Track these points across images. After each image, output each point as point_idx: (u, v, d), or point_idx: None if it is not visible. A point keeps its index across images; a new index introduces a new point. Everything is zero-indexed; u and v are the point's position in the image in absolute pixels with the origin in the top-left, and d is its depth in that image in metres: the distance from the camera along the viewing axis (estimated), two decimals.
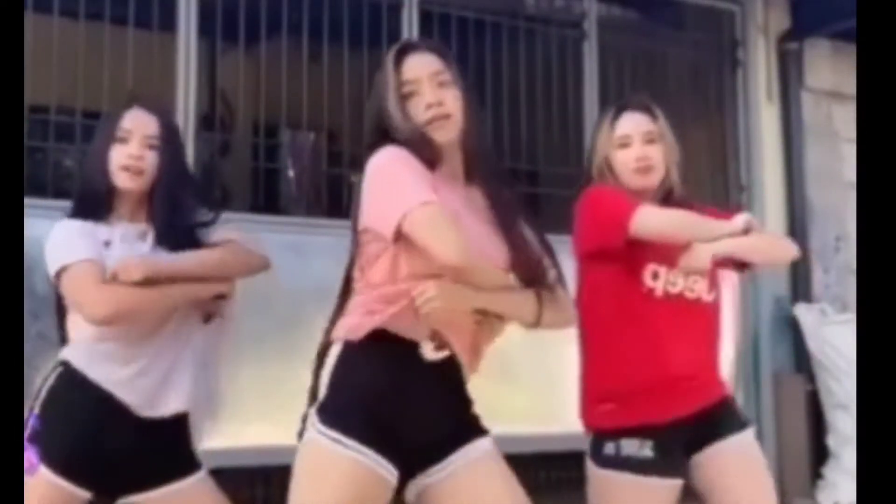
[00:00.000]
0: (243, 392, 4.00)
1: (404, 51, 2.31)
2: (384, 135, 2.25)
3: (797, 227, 5.59)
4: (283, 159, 5.41)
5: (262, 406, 3.91)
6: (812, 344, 5.39)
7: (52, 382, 2.47)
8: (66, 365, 2.47)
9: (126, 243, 2.47)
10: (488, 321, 2.28)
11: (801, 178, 5.64)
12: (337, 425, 2.16)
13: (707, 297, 2.70)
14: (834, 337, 5.28)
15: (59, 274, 2.42)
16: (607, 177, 2.73)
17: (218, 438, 3.10)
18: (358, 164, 2.30)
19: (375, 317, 2.18)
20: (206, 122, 4.86)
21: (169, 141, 2.56)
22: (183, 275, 2.44)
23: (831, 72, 5.79)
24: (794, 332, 5.47)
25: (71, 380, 2.45)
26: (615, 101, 2.92)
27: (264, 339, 3.82)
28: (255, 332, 3.68)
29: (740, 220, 2.56)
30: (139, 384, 2.45)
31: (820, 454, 5.38)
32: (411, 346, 2.20)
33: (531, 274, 2.28)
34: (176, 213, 2.53)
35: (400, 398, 2.19)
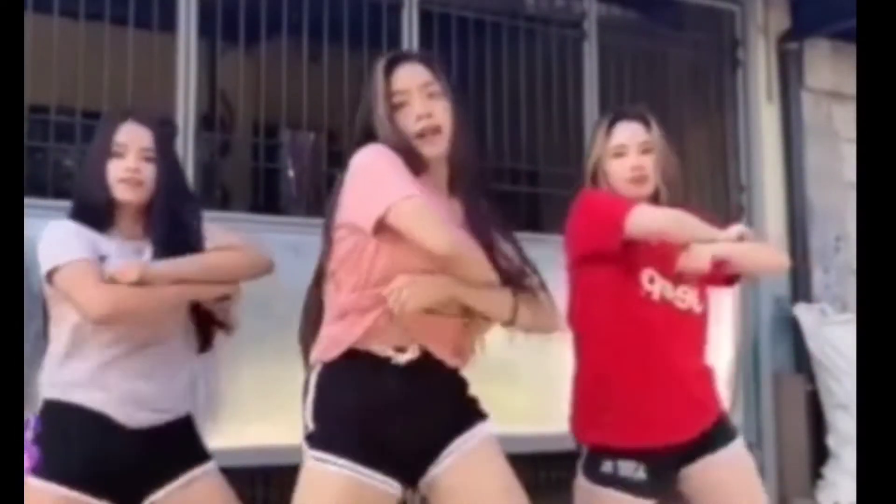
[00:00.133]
0: (243, 392, 4.01)
1: (394, 61, 2.30)
2: (372, 141, 2.26)
3: (797, 227, 5.59)
4: (283, 159, 5.40)
5: (262, 406, 3.91)
6: (812, 344, 5.39)
7: (44, 416, 2.46)
8: (48, 402, 2.47)
9: (122, 259, 2.45)
10: (474, 322, 2.28)
11: (801, 178, 5.64)
12: (328, 449, 2.18)
13: (697, 309, 2.72)
14: (834, 337, 5.28)
15: (52, 273, 2.40)
16: (601, 185, 2.74)
17: (218, 438, 3.10)
18: None
19: (346, 336, 2.20)
20: (206, 122, 4.85)
21: (164, 153, 2.56)
22: (183, 278, 2.44)
23: (831, 72, 5.79)
24: (794, 332, 5.47)
25: (59, 409, 2.44)
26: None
27: (264, 340, 3.83)
28: (255, 333, 3.68)
29: (735, 229, 2.59)
30: (125, 402, 2.43)
31: (820, 454, 5.37)
32: (385, 359, 2.21)
33: (511, 282, 2.27)
34: (174, 227, 2.53)
35: (384, 411, 2.20)
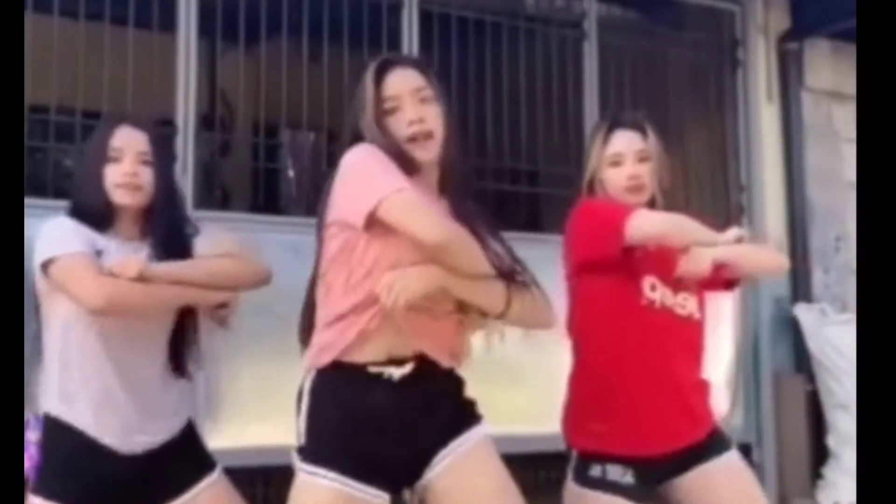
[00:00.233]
0: (243, 392, 4.01)
1: (386, 66, 2.29)
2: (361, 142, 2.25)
3: (797, 227, 5.59)
4: (283, 159, 5.41)
5: (262, 406, 3.91)
6: (812, 344, 5.38)
7: (44, 431, 2.45)
8: (46, 417, 2.46)
9: (121, 255, 2.45)
10: (469, 318, 2.27)
11: (801, 178, 5.63)
12: (318, 462, 2.18)
13: (697, 315, 2.72)
14: (834, 337, 5.28)
15: (48, 263, 2.38)
16: (598, 193, 2.75)
17: (218, 438, 3.11)
18: None
19: (339, 341, 2.19)
20: (206, 122, 4.85)
21: (161, 156, 2.56)
22: (184, 280, 2.43)
23: (831, 72, 5.78)
24: (794, 332, 5.46)
25: (56, 426, 2.44)
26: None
27: (264, 340, 3.83)
28: (255, 333, 3.68)
29: (732, 232, 2.59)
30: (115, 429, 2.43)
31: (820, 454, 5.37)
32: (377, 375, 2.20)
33: (504, 277, 2.26)
34: (173, 230, 2.53)
35: (376, 429, 2.19)
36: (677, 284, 2.66)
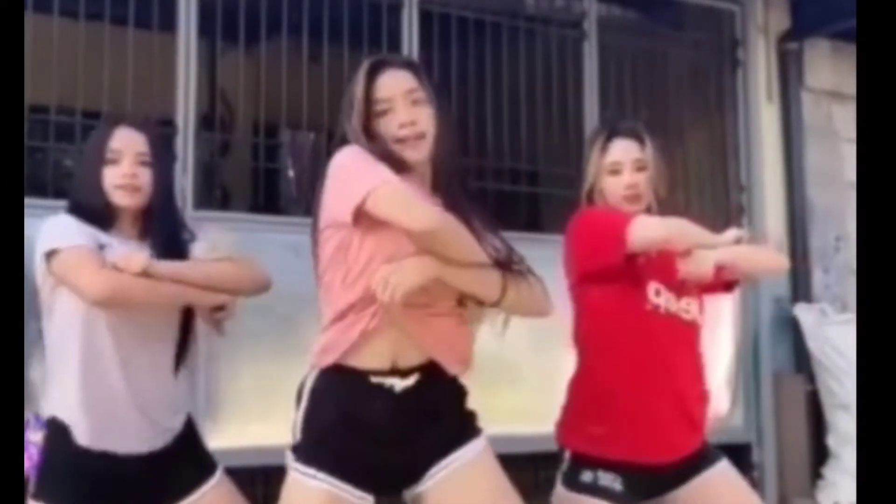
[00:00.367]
0: (243, 392, 4.01)
1: (378, 67, 2.28)
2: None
3: (797, 227, 5.59)
4: (283, 159, 5.41)
5: (262, 406, 3.91)
6: (812, 344, 5.39)
7: (46, 433, 2.45)
8: (48, 419, 2.46)
9: (124, 251, 2.45)
10: (468, 310, 2.25)
11: (801, 178, 5.63)
12: (310, 463, 2.17)
13: (700, 320, 2.74)
14: (834, 337, 5.28)
15: (50, 255, 2.38)
16: (597, 202, 2.76)
17: (218, 438, 3.10)
18: None
19: (342, 341, 2.18)
20: (206, 122, 4.85)
21: (160, 157, 2.56)
22: (185, 280, 2.43)
23: (831, 72, 5.78)
24: (794, 332, 5.47)
25: (56, 428, 2.43)
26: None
27: (264, 340, 3.83)
28: (255, 333, 3.68)
29: (731, 233, 2.60)
30: (114, 432, 2.43)
31: (820, 454, 5.37)
32: (378, 385, 2.19)
33: (500, 266, 2.24)
34: (173, 230, 2.54)
35: (373, 439, 2.19)
36: (681, 289, 2.66)
